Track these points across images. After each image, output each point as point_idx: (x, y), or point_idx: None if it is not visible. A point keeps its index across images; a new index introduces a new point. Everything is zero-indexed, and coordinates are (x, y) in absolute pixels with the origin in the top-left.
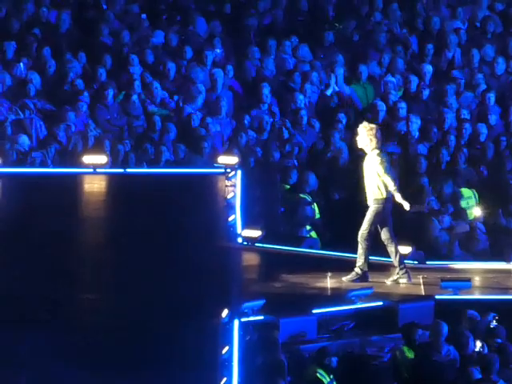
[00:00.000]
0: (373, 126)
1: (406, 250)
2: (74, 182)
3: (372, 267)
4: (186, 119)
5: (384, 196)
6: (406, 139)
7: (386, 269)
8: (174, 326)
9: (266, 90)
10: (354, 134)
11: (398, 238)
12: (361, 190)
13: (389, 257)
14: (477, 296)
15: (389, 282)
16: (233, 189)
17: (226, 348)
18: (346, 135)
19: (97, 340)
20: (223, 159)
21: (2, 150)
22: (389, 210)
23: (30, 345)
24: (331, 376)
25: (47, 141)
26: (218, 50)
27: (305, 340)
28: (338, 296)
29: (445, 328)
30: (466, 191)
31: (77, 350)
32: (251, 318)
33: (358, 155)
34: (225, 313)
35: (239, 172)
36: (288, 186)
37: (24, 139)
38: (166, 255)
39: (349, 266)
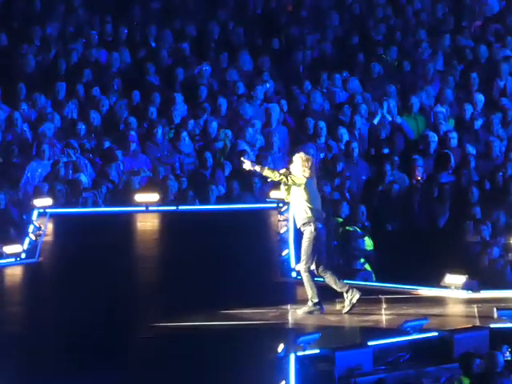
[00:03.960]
0: (309, 157)
1: (460, 279)
2: (127, 220)
3: (422, 299)
4: (239, 155)
5: (310, 215)
6: (459, 169)
7: (436, 300)
8: (231, 360)
9: (322, 124)
10: (405, 165)
11: (452, 267)
12: (414, 220)
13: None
14: None
15: (345, 310)
16: (286, 223)
17: (283, 383)
18: (398, 166)
19: (152, 379)
20: (275, 194)
21: (53, 190)
22: (321, 235)
23: None
24: None
25: (99, 180)
26: (268, 85)
27: (361, 373)
28: (393, 328)
29: (500, 358)
30: None
31: None
32: (307, 352)
33: (411, 186)
34: (281, 347)
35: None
36: (341, 220)
37: (83, 178)
38: (220, 292)
39: (403, 297)
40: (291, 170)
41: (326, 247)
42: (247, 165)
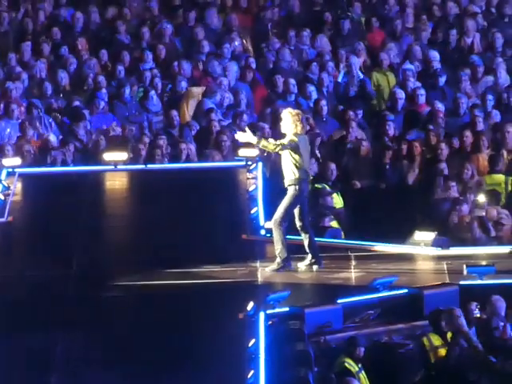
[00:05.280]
0: (298, 111)
1: (429, 236)
2: (96, 179)
3: (392, 256)
4: (206, 114)
5: (297, 176)
6: (427, 126)
7: (406, 257)
8: (200, 319)
9: (292, 81)
10: (373, 122)
11: (422, 224)
12: (383, 178)
13: (404, 244)
14: (502, 281)
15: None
16: (254, 181)
17: (253, 341)
18: (366, 124)
19: (126, 337)
20: (244, 152)
21: (21, 149)
22: (305, 194)
23: (65, 345)
24: (359, 365)
25: (67, 139)
26: (237, 43)
27: (331, 330)
28: (363, 285)
29: (459, 313)
30: (496, 177)
31: (106, 349)
32: (277, 310)
33: (380, 143)
34: (250, 305)
35: (260, 164)
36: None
37: (52, 138)
38: (189, 250)
39: (372, 254)
40: (282, 128)
41: (304, 204)
42: (244, 137)
